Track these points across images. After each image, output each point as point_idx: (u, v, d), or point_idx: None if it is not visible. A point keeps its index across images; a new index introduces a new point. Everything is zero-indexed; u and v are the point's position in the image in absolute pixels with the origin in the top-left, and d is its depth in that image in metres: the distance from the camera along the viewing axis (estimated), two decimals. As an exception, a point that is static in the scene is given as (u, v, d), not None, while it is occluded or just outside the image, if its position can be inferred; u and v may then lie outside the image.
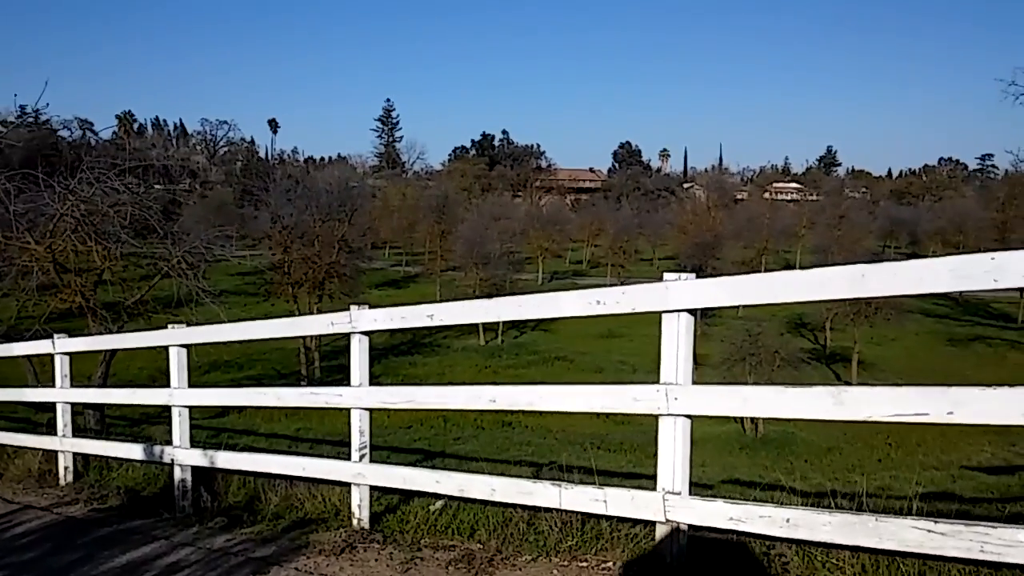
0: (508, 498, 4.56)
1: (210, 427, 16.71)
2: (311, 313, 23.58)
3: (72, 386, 7.97)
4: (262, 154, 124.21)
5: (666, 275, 3.87)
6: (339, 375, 24.39)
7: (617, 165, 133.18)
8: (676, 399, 3.78)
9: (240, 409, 19.17)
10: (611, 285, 5.15)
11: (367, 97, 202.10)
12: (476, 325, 31.72)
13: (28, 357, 14.90)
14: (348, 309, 5.38)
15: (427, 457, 12.02)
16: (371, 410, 5.38)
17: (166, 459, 6.69)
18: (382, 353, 27.92)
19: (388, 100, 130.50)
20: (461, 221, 45.12)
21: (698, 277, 3.81)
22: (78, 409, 12.44)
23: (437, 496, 5.20)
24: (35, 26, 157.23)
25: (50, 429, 8.54)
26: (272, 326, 6.18)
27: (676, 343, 3.82)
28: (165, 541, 5.37)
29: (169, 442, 6.89)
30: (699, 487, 4.25)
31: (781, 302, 3.54)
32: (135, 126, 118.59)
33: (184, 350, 6.58)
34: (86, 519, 6.33)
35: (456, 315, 4.86)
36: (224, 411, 20.10)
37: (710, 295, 3.78)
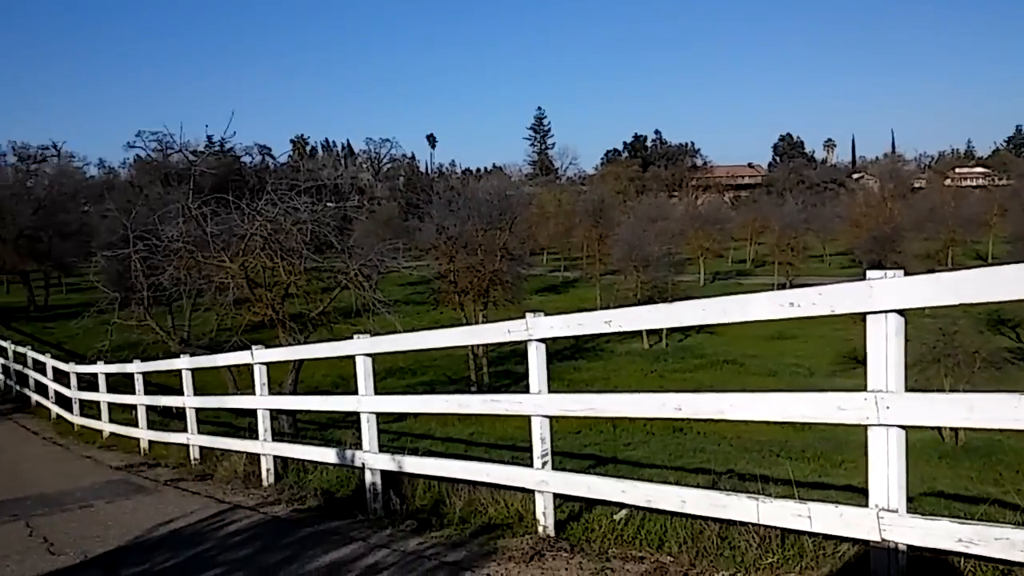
0: (699, 510, 4.39)
1: (390, 431, 17.50)
2: (477, 320, 24.24)
3: (270, 393, 8.55)
4: (422, 168, 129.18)
5: (870, 273, 3.59)
6: (507, 380, 24.91)
7: (778, 159, 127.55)
8: (888, 408, 3.48)
9: (416, 415, 19.96)
10: (780, 285, 4.86)
11: (519, 107, 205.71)
12: (628, 331, 31.17)
13: (228, 367, 16.23)
14: (524, 317, 5.41)
15: (599, 463, 11.94)
16: (551, 417, 5.37)
17: (357, 463, 7.01)
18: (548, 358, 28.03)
19: (539, 108, 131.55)
20: (617, 224, 44.80)
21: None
22: (273, 414, 13.38)
23: (621, 505, 5.12)
24: (223, 62, 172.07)
25: (252, 434, 9.21)
26: (451, 335, 6.33)
27: (884, 347, 3.53)
28: (362, 543, 5.62)
29: (359, 446, 7.25)
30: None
31: (1014, 299, 3.17)
32: (307, 149, 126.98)
33: (369, 359, 6.86)
34: (289, 519, 6.74)
35: (635, 320, 4.76)
36: (402, 415, 20.99)
37: (924, 293, 3.45)
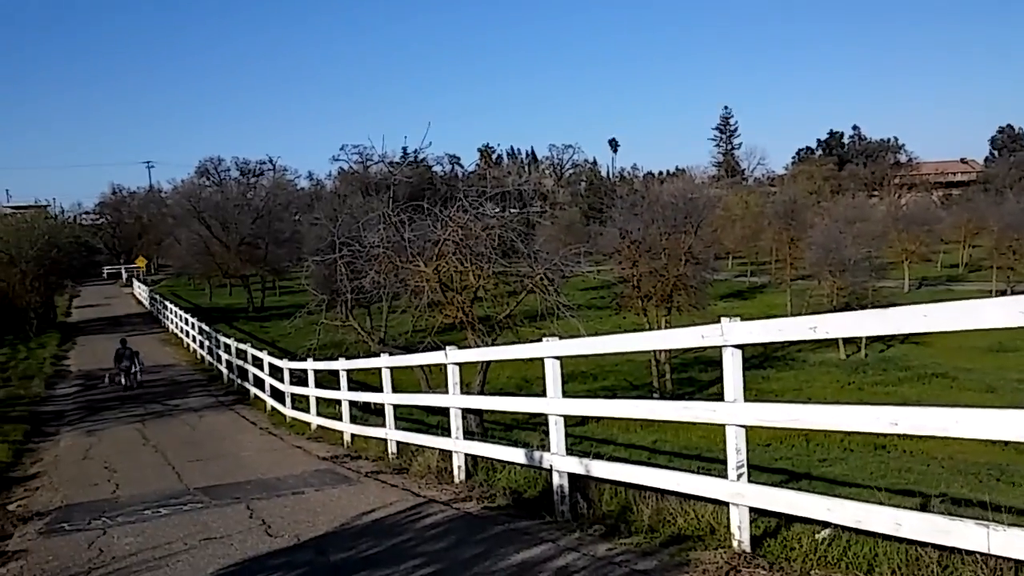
0: (917, 535, 4.02)
1: (572, 434, 17.64)
2: (660, 326, 23.82)
3: (461, 393, 8.86)
4: (604, 173, 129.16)
5: None
6: (690, 388, 24.31)
7: (996, 152, 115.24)
8: None
9: (598, 419, 19.96)
10: (999, 292, 4.32)
11: (703, 108, 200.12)
12: (835, 338, 29.37)
13: (422, 366, 17.01)
14: (717, 321, 5.21)
15: (792, 478, 11.34)
16: (747, 427, 5.14)
17: (544, 464, 7.08)
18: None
19: (725, 108, 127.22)
20: (811, 226, 42.36)
21: None
22: (463, 413, 13.86)
23: (824, 524, 4.81)
24: (417, 77, 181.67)
25: (444, 431, 9.59)
26: (642, 339, 6.24)
27: None
28: (551, 544, 5.66)
29: (546, 448, 7.33)
30: None
31: None
32: (494, 157, 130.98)
33: (558, 362, 6.92)
34: (480, 516, 6.94)
35: (844, 327, 4.44)
36: (583, 420, 21.09)
37: None
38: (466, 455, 8.74)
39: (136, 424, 16.97)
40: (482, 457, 8.74)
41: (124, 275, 69.15)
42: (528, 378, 26.96)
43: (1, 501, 10.35)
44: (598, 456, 7.97)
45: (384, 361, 11.16)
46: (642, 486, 6.32)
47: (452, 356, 8.81)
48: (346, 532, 6.75)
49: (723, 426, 5.22)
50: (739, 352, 5.08)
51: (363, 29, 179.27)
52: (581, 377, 25.46)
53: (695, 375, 26.22)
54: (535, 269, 14.48)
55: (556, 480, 6.88)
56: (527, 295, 15.47)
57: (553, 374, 6.91)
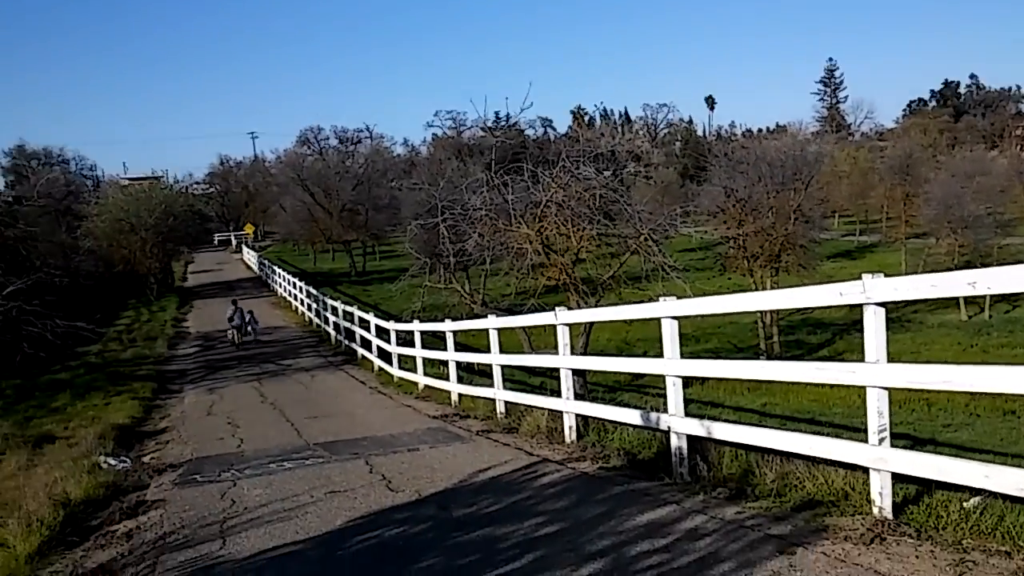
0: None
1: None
2: (766, 287, 23.05)
3: (572, 354, 8.78)
4: (700, 132, 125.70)
5: None
6: (798, 351, 23.52)
7: None
8: None
9: (703, 381, 19.58)
10: None
11: (804, 62, 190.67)
12: (956, 298, 27.75)
13: (524, 328, 17.03)
14: (859, 278, 4.91)
15: (916, 443, 10.81)
16: (890, 389, 4.85)
17: (662, 426, 6.95)
18: (843, 328, 26.11)
19: (830, 60, 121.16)
20: (925, 181, 39.93)
21: None
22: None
23: (976, 492, 4.51)
24: (507, 40, 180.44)
25: (553, 392, 9.57)
26: (769, 297, 5.98)
27: None
28: (676, 506, 5.55)
29: (662, 409, 7.19)
30: None
31: None
32: (586, 119, 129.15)
33: (675, 322, 6.74)
34: (597, 476, 6.88)
35: (1009, 281, 4.06)
36: (687, 382, 20.75)
37: None
38: (576, 415, 8.69)
39: (253, 382, 17.76)
40: (592, 418, 8.68)
41: (234, 242, 72.20)
42: (629, 340, 26.72)
43: (136, 453, 11.03)
44: (712, 418, 7.80)
45: (491, 322, 11.21)
46: (766, 449, 6.11)
47: (562, 317, 8.73)
48: (465, 489, 6.82)
49: (863, 388, 4.94)
50: (882, 311, 4.78)
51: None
52: (683, 339, 24.95)
53: (803, 337, 25.33)
54: (640, 229, 14.16)
55: (674, 442, 6.74)
56: (630, 256, 15.21)
57: (671, 334, 6.75)
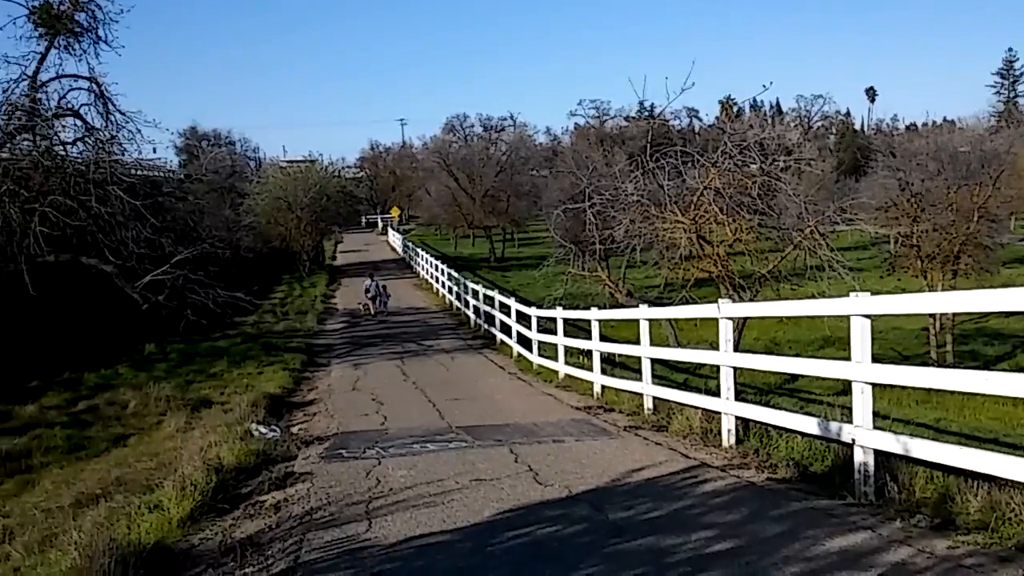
0: None
1: (833, 404, 16.13)
2: (942, 290, 21.06)
3: (737, 351, 8.08)
4: (858, 125, 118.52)
5: None
6: (973, 363, 21.35)
7: None
8: None
9: (884, 386, 18.12)
10: None
11: (978, 52, 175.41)
12: None
13: (669, 321, 16.31)
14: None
15: None
16: None
17: (844, 438, 6.17)
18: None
19: (1009, 50, 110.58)
20: None
21: None
22: (713, 372, 12.97)
23: None
24: (655, 27, 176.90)
25: (709, 391, 8.89)
26: (994, 297, 5.08)
27: None
28: (870, 532, 4.82)
29: (844, 419, 6.41)
30: None
31: None
32: (735, 110, 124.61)
33: (868, 321, 5.95)
34: (767, 488, 6.20)
35: None
36: (844, 389, 19.31)
37: None
38: (737, 418, 7.99)
39: (396, 361, 17.98)
40: (754, 421, 7.95)
41: (380, 224, 74.71)
42: (777, 340, 25.26)
43: (285, 423, 11.26)
44: (908, 432, 6.89)
45: (642, 312, 10.61)
46: (973, 472, 5.27)
47: (726, 310, 8.02)
48: (619, 489, 6.33)
49: None
50: None
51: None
52: (839, 343, 23.33)
53: (978, 348, 22.99)
54: (806, 220, 13.11)
55: (859, 457, 5.95)
56: (792, 251, 14.15)
57: (862, 335, 5.95)
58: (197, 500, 6.47)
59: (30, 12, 17.67)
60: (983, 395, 15.93)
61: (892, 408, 16.27)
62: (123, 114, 18.78)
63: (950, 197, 21.86)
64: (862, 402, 6.01)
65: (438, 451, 8.25)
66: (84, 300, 19.28)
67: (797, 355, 19.24)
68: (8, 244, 16.17)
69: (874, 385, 6.05)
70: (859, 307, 5.92)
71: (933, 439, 6.12)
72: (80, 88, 18.52)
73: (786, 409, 8.02)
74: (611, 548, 4.76)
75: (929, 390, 15.05)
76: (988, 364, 21.30)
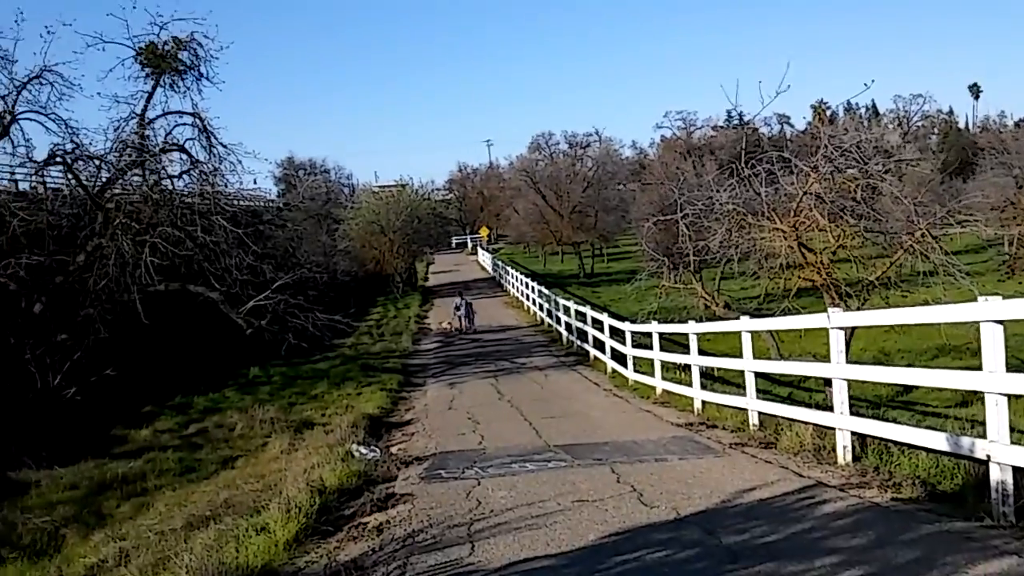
0: None
1: (953, 416, 15.13)
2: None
3: (848, 362, 7.62)
4: (962, 124, 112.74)
5: None
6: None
7: None
8: None
9: (974, 400, 16.98)
10: None
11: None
12: None
13: (771, 332, 15.70)
14: None
15: None
16: None
17: (977, 454, 5.69)
18: None
19: None
20: None
21: None
22: (819, 385, 12.34)
23: None
24: (744, 35, 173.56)
25: (820, 406, 8.43)
26: None
27: None
28: (1016, 558, 4.38)
29: (977, 434, 5.93)
30: None
31: None
32: (828, 114, 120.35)
33: (1000, 327, 5.48)
34: (892, 509, 5.77)
35: None
36: (964, 401, 18.13)
37: None
38: (853, 433, 7.52)
39: (490, 379, 17.96)
40: (872, 437, 7.46)
41: (469, 244, 75.56)
42: (886, 351, 23.98)
43: (384, 443, 11.34)
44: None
45: (743, 324, 10.20)
46: None
47: (836, 320, 7.59)
48: (729, 511, 6.01)
49: None
50: None
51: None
52: (955, 352, 21.97)
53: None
54: (918, 224, 12.40)
55: (995, 474, 5.47)
56: (902, 255, 13.40)
57: (993, 342, 5.48)
58: (302, 522, 6.52)
59: (137, 53, 18.67)
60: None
61: (1018, 420, 15.17)
62: (224, 146, 19.57)
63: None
64: (997, 415, 5.53)
65: (537, 471, 8.10)
66: (192, 327, 20.14)
67: (910, 365, 18.23)
68: (122, 275, 17.02)
69: (1010, 397, 5.57)
70: (990, 312, 5.47)
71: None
72: (184, 124, 19.42)
73: (907, 424, 7.49)
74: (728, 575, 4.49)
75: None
76: None
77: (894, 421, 8.33)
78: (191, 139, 19.47)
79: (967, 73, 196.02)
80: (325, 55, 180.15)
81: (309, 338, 19.11)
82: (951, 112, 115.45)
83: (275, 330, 18.64)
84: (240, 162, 19.91)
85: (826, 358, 13.37)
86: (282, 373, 20.25)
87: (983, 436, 5.74)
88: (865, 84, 12.64)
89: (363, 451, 10.06)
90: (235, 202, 21.93)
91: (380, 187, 60.67)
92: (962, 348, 22.91)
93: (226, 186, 20.60)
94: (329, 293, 24.94)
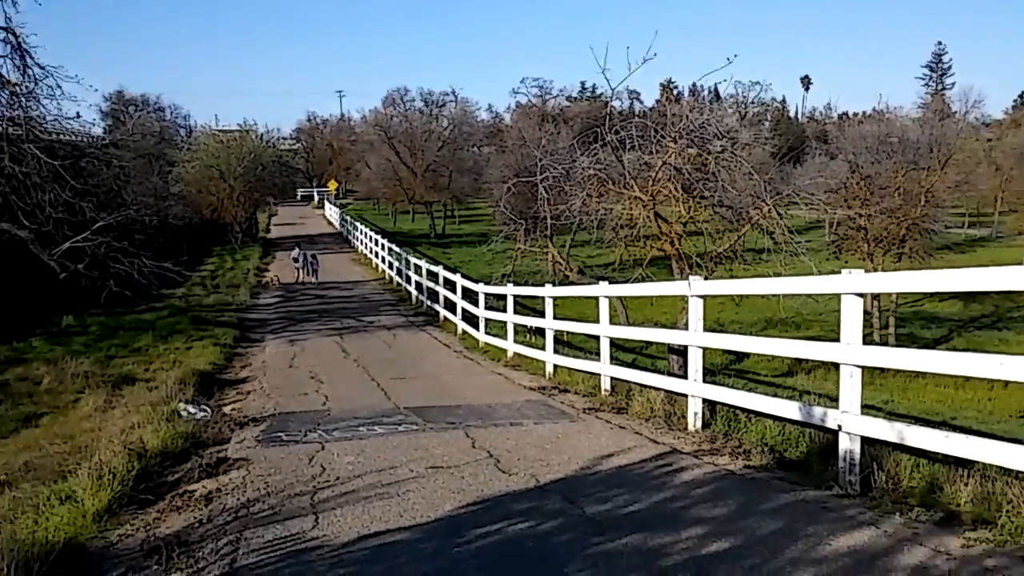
0: None
1: (780, 385, 16.08)
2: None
3: (706, 330, 7.63)
4: (793, 113, 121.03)
5: None
6: (912, 345, 21.73)
7: None
8: None
9: (810, 370, 18.17)
10: None
11: (910, 44, 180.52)
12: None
13: (621, 299, 15.89)
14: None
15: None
16: None
17: (829, 423, 5.79)
18: (959, 325, 24.06)
19: (939, 43, 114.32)
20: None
21: None
22: (675, 350, 12.58)
23: None
24: (594, 11, 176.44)
25: (675, 373, 8.47)
26: (995, 275, 4.69)
27: None
28: (875, 529, 4.42)
29: (828, 404, 6.05)
30: None
31: None
32: (675, 94, 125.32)
33: (861, 300, 5.56)
34: (748, 477, 5.78)
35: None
36: (790, 371, 19.34)
37: None
38: (704, 400, 7.58)
39: (335, 337, 17.16)
40: (722, 404, 7.55)
41: (316, 197, 72.73)
42: (721, 321, 25.24)
43: (216, 402, 10.42)
44: (897, 416, 6.56)
45: (602, 289, 10.12)
46: (949, 457, 5.04)
47: (697, 287, 7.57)
48: (590, 478, 5.82)
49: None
50: None
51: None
52: (781, 325, 23.46)
53: (915, 331, 23.40)
54: (765, 199, 12.81)
55: (844, 444, 5.59)
56: (750, 229, 13.87)
57: (853, 314, 5.55)
58: (116, 490, 5.70)
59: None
60: (932, 376, 16.09)
61: (835, 388, 16.33)
62: (42, 68, 17.20)
63: (897, 180, 22.07)
64: (850, 386, 5.64)
65: (387, 434, 7.62)
66: (-6, 267, 17.86)
67: (749, 334, 19.18)
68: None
69: (863, 368, 5.68)
70: (851, 285, 5.52)
71: (927, 425, 5.78)
72: (-9, 38, 16.93)
73: (761, 393, 7.62)
74: (595, 549, 4.24)
75: (894, 372, 15.10)
76: (926, 347, 21.70)
77: (748, 390, 8.51)
78: (2, 56, 17.03)
79: (801, 64, 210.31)
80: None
81: (134, 286, 17.44)
82: (784, 101, 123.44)
83: (95, 276, 16.85)
84: (60, 87, 17.61)
85: (670, 325, 13.72)
86: (101, 323, 18.41)
87: (832, 406, 5.86)
88: (728, 59, 12.74)
89: (192, 410, 9.15)
90: (53, 133, 19.50)
91: (221, 130, 56.85)
92: (788, 321, 24.62)
93: (43, 114, 18.25)
94: (159, 239, 22.92)
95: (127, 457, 6.57)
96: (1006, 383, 15.11)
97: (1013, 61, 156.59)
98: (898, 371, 14.94)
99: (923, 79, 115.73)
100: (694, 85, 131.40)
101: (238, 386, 11.91)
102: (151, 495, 5.94)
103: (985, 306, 26.02)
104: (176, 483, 6.28)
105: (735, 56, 12.63)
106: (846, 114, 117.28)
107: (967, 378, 13.63)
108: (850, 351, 5.58)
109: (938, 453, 5.21)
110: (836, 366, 5.77)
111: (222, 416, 9.23)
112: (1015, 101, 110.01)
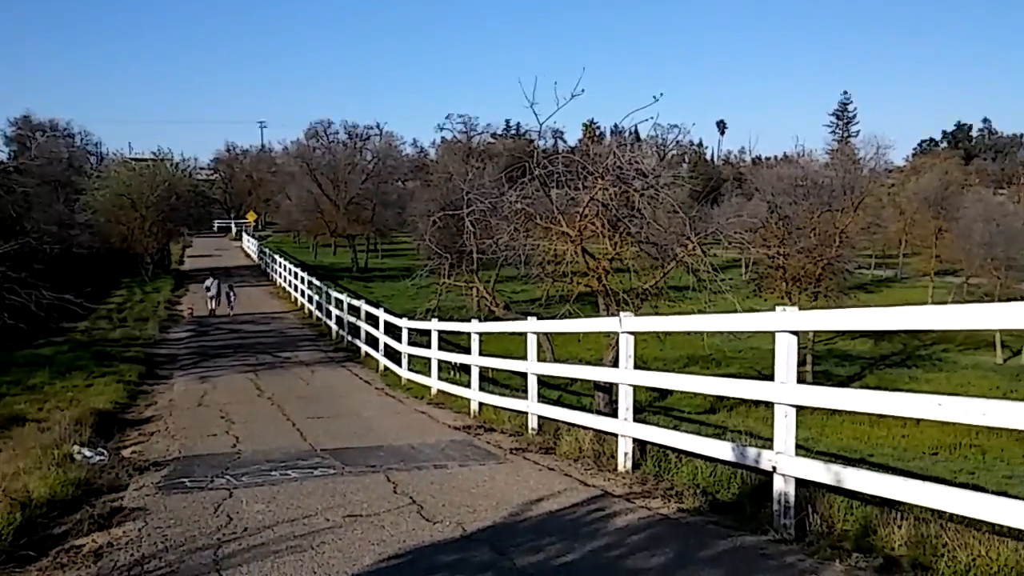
0: None
1: (696, 421, 16.13)
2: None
3: (635, 367, 7.46)
4: (709, 156, 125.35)
5: None
6: (827, 383, 22.26)
7: None
8: None
9: (730, 409, 18.32)
10: None
11: (818, 93, 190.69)
12: (993, 339, 26.59)
13: (547, 335, 15.73)
14: None
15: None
16: None
17: (763, 465, 5.64)
18: (871, 363, 24.85)
19: (844, 93, 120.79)
20: (954, 219, 38.67)
21: None
22: (602, 387, 12.44)
23: None
24: (520, 52, 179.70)
25: (603, 411, 8.26)
26: (945, 313, 4.67)
27: None
28: (816, 577, 4.23)
29: (762, 445, 5.91)
30: None
31: None
32: (597, 134, 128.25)
33: (795, 338, 5.46)
34: (682, 522, 5.56)
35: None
36: (712, 408, 19.49)
37: None
38: (635, 440, 7.37)
39: (249, 374, 16.39)
40: (654, 444, 7.36)
41: (234, 229, 70.80)
42: (644, 358, 25.42)
43: (115, 444, 9.68)
44: (839, 458, 6.48)
45: (530, 325, 9.88)
46: (880, 499, 4.96)
47: (628, 324, 7.41)
48: (520, 526, 5.49)
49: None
50: None
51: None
52: (703, 362, 23.74)
53: (831, 369, 24.05)
54: (690, 238, 12.90)
55: (779, 486, 5.43)
56: (676, 267, 13.95)
57: (787, 353, 5.44)
58: (-10, 547, 5.07)
59: None
60: (848, 413, 16.40)
61: (757, 425, 16.45)
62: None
63: (813, 221, 22.82)
64: (785, 426, 5.49)
65: (301, 479, 7.12)
66: None
67: (672, 372, 19.26)
68: None
69: (798, 408, 5.57)
70: (787, 322, 5.41)
71: (866, 468, 5.68)
72: None
73: (692, 433, 7.45)
74: (528, 606, 3.91)
75: (811, 409, 15.29)
76: (841, 385, 22.29)
77: (675, 428, 8.36)
78: None
79: (716, 110, 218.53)
80: (77, 10, 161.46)
81: (31, 319, 16.33)
82: (701, 143, 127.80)
83: (-14, 307, 15.72)
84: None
85: (596, 362, 13.58)
86: (-8, 358, 17.14)
87: (767, 447, 5.72)
88: (654, 97, 12.85)
89: (87, 453, 8.42)
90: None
91: (134, 158, 54.90)
92: (709, 358, 24.98)
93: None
94: (62, 269, 21.68)
95: (8, 507, 5.91)
96: (918, 421, 15.57)
97: (913, 111, 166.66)
98: (815, 409, 15.28)
99: (830, 126, 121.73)
100: (615, 126, 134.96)
101: (141, 427, 11.12)
102: (33, 550, 5.31)
103: (894, 344, 27.04)
104: (63, 536, 5.66)
105: (661, 94, 12.65)
106: (759, 157, 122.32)
107: (881, 416, 14.02)
108: (785, 390, 5.46)
109: (871, 495, 5.12)
110: (761, 404, 5.66)
111: (120, 460, 8.52)
112: (915, 149, 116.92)
